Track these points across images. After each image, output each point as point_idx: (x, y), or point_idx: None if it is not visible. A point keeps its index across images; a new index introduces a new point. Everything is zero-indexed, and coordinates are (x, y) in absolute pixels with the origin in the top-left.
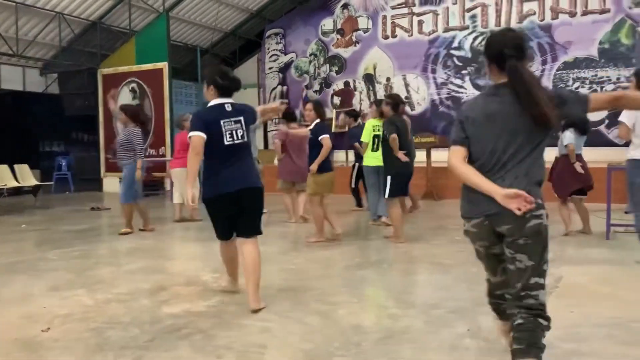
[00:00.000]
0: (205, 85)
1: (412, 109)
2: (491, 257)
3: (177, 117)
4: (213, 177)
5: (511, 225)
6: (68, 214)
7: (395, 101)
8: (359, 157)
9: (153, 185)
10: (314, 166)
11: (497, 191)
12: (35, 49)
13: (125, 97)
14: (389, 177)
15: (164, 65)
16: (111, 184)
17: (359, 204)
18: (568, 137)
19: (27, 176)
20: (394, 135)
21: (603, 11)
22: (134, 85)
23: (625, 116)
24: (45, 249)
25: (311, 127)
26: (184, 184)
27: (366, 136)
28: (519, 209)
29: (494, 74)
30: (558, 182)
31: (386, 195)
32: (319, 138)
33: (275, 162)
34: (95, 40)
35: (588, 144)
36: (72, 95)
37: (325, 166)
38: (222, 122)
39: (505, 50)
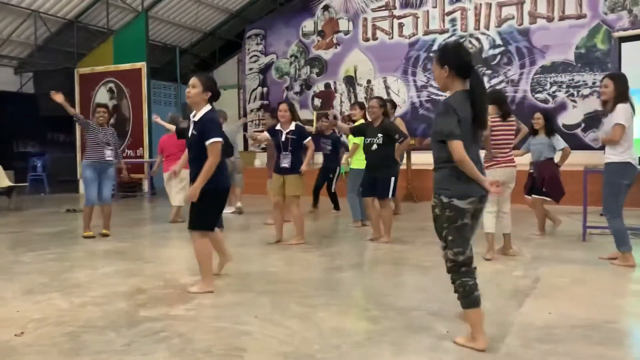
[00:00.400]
0: (200, 89)
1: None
2: (470, 230)
3: (169, 119)
4: (224, 171)
5: (484, 203)
6: (43, 216)
7: (385, 103)
8: (333, 162)
9: (131, 187)
10: (305, 167)
11: (485, 179)
12: (10, 47)
13: (102, 97)
14: (392, 179)
15: (142, 65)
16: None
17: (337, 206)
18: (562, 141)
19: (0, 177)
20: (409, 140)
21: (579, 16)
22: (111, 85)
23: (623, 118)
24: (19, 252)
25: (292, 128)
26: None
27: (358, 138)
28: (495, 193)
29: (451, 80)
30: (556, 187)
31: (389, 196)
32: (305, 141)
33: (256, 163)
34: (72, 39)
35: None
36: (48, 95)
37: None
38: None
39: (472, 61)
